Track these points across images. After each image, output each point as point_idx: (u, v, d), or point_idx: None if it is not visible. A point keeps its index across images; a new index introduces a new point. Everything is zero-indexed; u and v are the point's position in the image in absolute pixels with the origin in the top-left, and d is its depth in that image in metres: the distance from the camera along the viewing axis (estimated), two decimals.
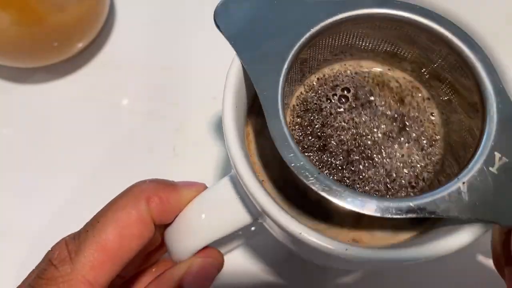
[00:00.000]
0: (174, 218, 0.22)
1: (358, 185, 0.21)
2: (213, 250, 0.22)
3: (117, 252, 0.19)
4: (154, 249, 0.25)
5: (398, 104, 0.23)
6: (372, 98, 0.23)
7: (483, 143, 0.18)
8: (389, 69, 0.24)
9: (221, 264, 0.22)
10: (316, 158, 0.21)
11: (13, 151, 0.35)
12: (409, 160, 0.21)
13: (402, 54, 0.22)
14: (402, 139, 0.22)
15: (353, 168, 0.21)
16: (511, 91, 0.19)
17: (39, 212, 0.33)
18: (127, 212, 0.20)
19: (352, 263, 0.18)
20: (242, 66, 0.20)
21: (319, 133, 0.22)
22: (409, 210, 0.17)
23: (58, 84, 0.37)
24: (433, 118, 0.22)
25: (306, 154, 0.21)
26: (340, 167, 0.21)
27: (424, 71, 0.22)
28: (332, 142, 0.22)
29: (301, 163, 0.17)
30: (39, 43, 0.34)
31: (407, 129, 0.22)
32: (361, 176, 0.21)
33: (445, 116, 0.22)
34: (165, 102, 0.37)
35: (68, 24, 0.33)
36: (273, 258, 0.31)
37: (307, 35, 0.19)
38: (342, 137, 0.22)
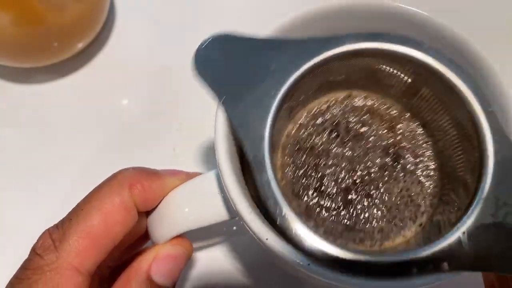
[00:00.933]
0: (157, 205, 0.22)
1: (359, 226, 0.20)
2: (182, 239, 0.22)
3: (101, 239, 0.19)
4: (140, 237, 0.25)
5: (390, 134, 0.22)
6: (363, 129, 0.22)
7: (481, 187, 0.17)
8: (378, 99, 0.23)
9: (190, 252, 0.22)
10: (313, 202, 0.21)
11: (13, 151, 0.35)
12: (408, 194, 0.21)
13: (391, 83, 0.22)
14: (398, 172, 0.21)
15: (352, 209, 0.21)
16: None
17: (39, 211, 0.33)
18: (110, 199, 0.20)
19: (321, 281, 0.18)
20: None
21: (313, 174, 0.21)
22: (410, 266, 0.16)
23: (58, 84, 0.37)
24: (427, 147, 0.22)
25: (301, 197, 0.21)
26: (339, 208, 0.21)
27: (415, 101, 0.22)
28: (328, 182, 0.21)
29: (293, 229, 0.17)
30: (39, 43, 0.34)
31: (401, 161, 0.22)
32: (361, 217, 0.21)
33: (441, 146, 0.22)
34: (165, 102, 0.37)
35: (68, 24, 0.33)
36: (255, 259, 0.31)
37: (292, 79, 0.19)
38: (337, 176, 0.21)
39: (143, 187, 0.21)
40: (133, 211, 0.21)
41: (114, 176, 0.21)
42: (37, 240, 0.20)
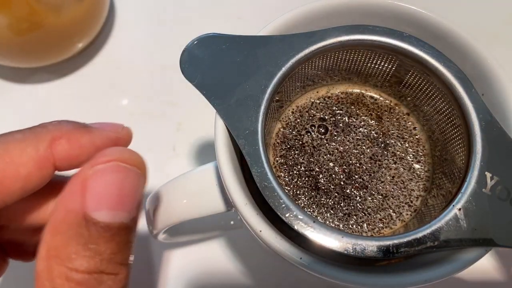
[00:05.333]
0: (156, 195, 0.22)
1: (360, 217, 0.21)
2: (130, 152, 0.16)
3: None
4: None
5: (378, 123, 0.22)
6: (350, 120, 0.22)
7: (472, 164, 0.17)
8: (363, 90, 0.23)
9: (141, 165, 0.16)
10: (311, 200, 0.21)
11: None
12: (401, 180, 0.21)
13: (374, 74, 0.22)
14: (388, 160, 0.22)
15: (350, 201, 0.21)
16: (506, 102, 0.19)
17: None
18: (20, 147, 0.16)
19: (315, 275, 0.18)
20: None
21: (307, 172, 0.21)
22: (408, 245, 0.16)
23: (58, 84, 0.37)
24: (415, 132, 0.22)
25: (299, 197, 0.21)
26: (337, 204, 0.21)
27: (401, 89, 0.22)
28: (323, 179, 0.21)
29: (294, 213, 0.17)
30: (39, 43, 0.34)
31: (391, 148, 0.22)
32: (359, 207, 0.21)
33: (429, 131, 0.22)
34: (165, 102, 0.37)
35: (68, 24, 0.33)
36: (253, 254, 0.31)
37: (279, 74, 0.19)
38: (331, 171, 0.21)
39: (68, 142, 0.17)
40: (46, 169, 0.17)
41: (34, 126, 0.18)
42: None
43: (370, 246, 0.16)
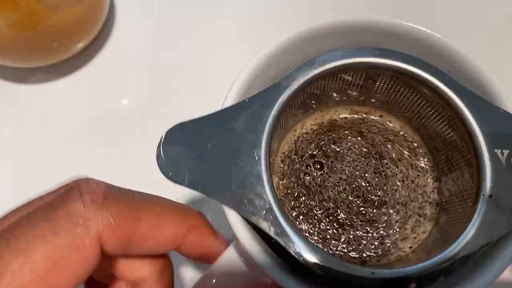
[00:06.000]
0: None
1: (393, 235, 0.20)
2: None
3: (138, 239, 0.17)
4: None
5: (361, 138, 0.22)
6: (336, 146, 0.22)
7: (479, 148, 0.17)
8: (331, 113, 0.23)
9: None
10: (342, 239, 0.20)
11: (13, 151, 0.35)
12: (410, 181, 0.21)
13: (341, 95, 0.22)
14: (389, 166, 0.22)
15: (377, 224, 0.21)
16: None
17: None
18: (172, 219, 0.18)
19: None
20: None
21: (324, 213, 0.21)
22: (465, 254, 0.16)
23: (58, 84, 0.37)
24: (397, 130, 0.22)
25: (328, 241, 0.20)
26: (367, 232, 0.20)
27: (364, 95, 0.22)
28: (342, 213, 0.21)
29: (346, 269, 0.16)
30: (39, 43, 0.34)
31: (384, 155, 0.22)
32: (387, 226, 0.20)
33: (411, 124, 0.22)
34: (165, 102, 0.37)
35: (68, 24, 0.33)
36: None
37: (265, 137, 0.18)
38: (346, 202, 0.21)
39: (201, 234, 0.19)
40: (173, 247, 0.19)
41: (183, 206, 0.19)
42: (87, 182, 0.17)
43: (425, 272, 0.16)
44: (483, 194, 0.16)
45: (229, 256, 0.20)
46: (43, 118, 0.36)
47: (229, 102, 0.19)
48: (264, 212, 0.17)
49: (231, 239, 0.20)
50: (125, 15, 0.40)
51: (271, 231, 0.16)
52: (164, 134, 0.18)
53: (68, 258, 0.15)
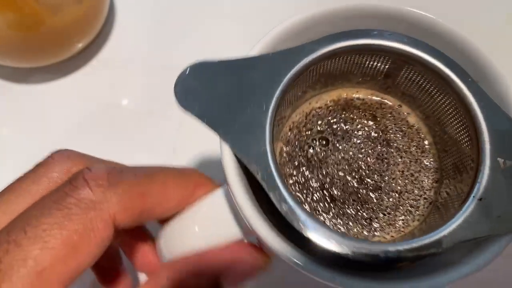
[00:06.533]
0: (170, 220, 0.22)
1: (381, 218, 0.21)
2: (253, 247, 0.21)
3: (148, 209, 0.19)
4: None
5: (373, 122, 0.22)
6: (347, 126, 0.22)
7: (483, 152, 0.17)
8: (349, 93, 0.23)
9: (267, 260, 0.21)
10: (331, 213, 0.21)
11: (13, 151, 0.35)
12: (410, 174, 0.21)
13: (366, 76, 0.22)
14: (394, 155, 0.22)
15: (369, 205, 0.21)
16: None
17: None
18: (176, 185, 0.20)
19: None
20: None
21: (320, 186, 0.21)
22: (438, 243, 0.16)
23: (58, 84, 0.37)
24: (412, 123, 0.22)
25: (318, 212, 0.21)
26: (357, 211, 0.21)
27: (386, 81, 0.22)
28: (337, 190, 0.21)
29: (320, 231, 0.16)
30: (39, 43, 0.34)
31: (392, 143, 0.22)
32: (378, 209, 0.21)
33: (427, 121, 0.22)
34: (165, 102, 0.36)
35: (68, 24, 0.33)
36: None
37: (277, 92, 0.19)
38: (342, 180, 0.21)
39: (207, 191, 0.21)
40: (183, 206, 0.21)
41: (184, 170, 0.21)
42: (89, 169, 0.18)
43: (402, 251, 0.16)
44: (473, 196, 0.17)
45: (215, 200, 0.21)
46: (43, 118, 0.36)
47: (254, 53, 0.20)
48: (257, 156, 0.18)
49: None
50: (125, 15, 0.40)
51: (258, 175, 0.17)
52: (188, 67, 0.19)
53: (84, 241, 0.17)
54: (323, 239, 0.16)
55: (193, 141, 0.35)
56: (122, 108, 0.37)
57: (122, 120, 0.36)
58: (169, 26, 0.40)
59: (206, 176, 0.22)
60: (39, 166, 0.20)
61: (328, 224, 0.21)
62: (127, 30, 0.39)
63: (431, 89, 0.20)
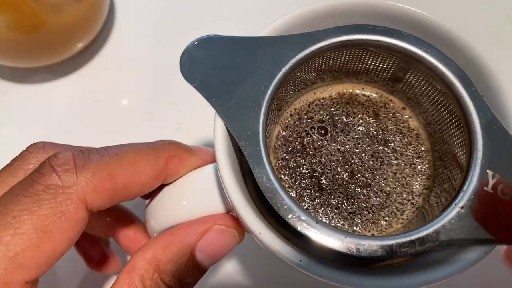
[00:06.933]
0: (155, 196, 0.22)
1: (364, 215, 0.21)
2: (233, 219, 0.21)
3: (121, 188, 0.19)
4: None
5: (375, 120, 0.22)
6: (348, 120, 0.22)
7: (473, 162, 0.17)
8: (355, 88, 0.23)
9: (239, 241, 0.21)
10: (315, 201, 0.21)
11: (13, 151, 0.35)
12: (402, 177, 0.21)
13: (374, 73, 0.22)
14: (389, 155, 0.22)
15: (354, 200, 0.21)
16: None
17: None
18: (145, 160, 0.20)
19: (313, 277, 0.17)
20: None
21: (309, 174, 0.21)
22: (411, 244, 0.16)
23: (58, 84, 0.37)
24: (413, 127, 0.22)
25: (303, 198, 0.21)
26: (342, 203, 0.21)
27: (394, 84, 0.22)
28: (326, 180, 0.21)
29: (297, 214, 0.17)
30: (39, 43, 0.34)
31: (390, 144, 0.22)
32: (364, 205, 0.21)
33: (428, 128, 0.22)
34: (165, 102, 0.37)
35: (68, 24, 0.33)
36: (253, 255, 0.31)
37: (280, 75, 0.19)
38: (333, 171, 0.21)
39: (180, 161, 0.21)
40: (159, 180, 0.21)
41: (155, 144, 0.21)
42: (55, 155, 0.18)
43: (373, 245, 0.16)
44: (455, 203, 0.17)
45: (204, 175, 0.21)
46: (43, 118, 0.36)
47: (263, 34, 0.20)
48: (248, 133, 0.18)
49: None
50: (125, 15, 0.40)
51: (246, 151, 0.18)
52: (197, 39, 0.20)
53: (56, 224, 0.17)
54: (301, 225, 0.16)
55: (193, 141, 0.35)
56: (122, 108, 0.37)
57: (122, 120, 0.36)
58: (169, 26, 0.40)
59: (179, 145, 0.22)
60: (15, 159, 0.21)
61: (311, 212, 0.21)
62: (127, 30, 0.39)
63: (436, 97, 0.20)
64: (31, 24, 0.32)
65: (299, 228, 0.16)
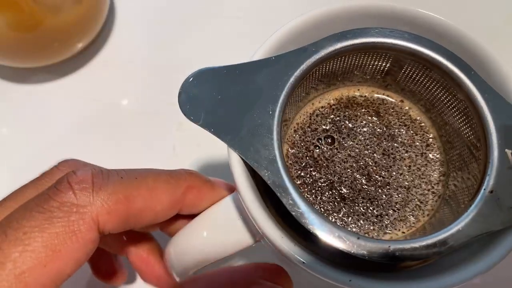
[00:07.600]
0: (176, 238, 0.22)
1: (391, 215, 0.21)
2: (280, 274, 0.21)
3: (135, 214, 0.18)
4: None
5: (377, 118, 0.22)
6: (351, 124, 0.22)
7: (490, 144, 0.17)
8: (350, 91, 0.23)
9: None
10: (342, 212, 0.21)
11: (13, 151, 0.35)
12: (417, 168, 0.21)
13: (367, 73, 0.22)
14: (400, 150, 0.22)
15: (378, 202, 0.21)
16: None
17: None
18: (164, 188, 0.19)
19: None
20: None
21: (328, 186, 0.21)
22: (453, 237, 0.16)
23: (58, 84, 0.37)
24: (414, 117, 0.22)
25: (329, 212, 0.21)
26: (367, 208, 0.21)
27: (388, 79, 0.22)
28: (345, 188, 0.21)
29: (336, 234, 0.16)
30: (39, 43, 0.34)
31: (397, 138, 0.22)
32: (388, 205, 0.21)
33: (431, 115, 0.22)
34: (165, 102, 0.37)
35: (68, 24, 0.33)
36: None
37: (283, 95, 0.18)
38: (350, 178, 0.21)
39: (199, 193, 0.21)
40: (174, 210, 0.20)
41: (177, 173, 0.21)
42: (74, 172, 0.18)
43: (417, 248, 0.16)
44: (484, 189, 0.17)
45: (224, 207, 0.21)
46: (42, 118, 0.36)
47: (257, 57, 0.20)
48: (267, 162, 0.17)
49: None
50: (125, 15, 0.40)
51: (270, 180, 0.17)
52: (191, 75, 0.19)
53: (65, 244, 0.16)
54: (337, 242, 0.16)
55: (193, 141, 0.35)
56: (122, 108, 0.37)
57: (122, 120, 0.36)
58: (169, 26, 0.40)
59: (199, 176, 0.22)
60: (44, 175, 0.20)
61: (339, 223, 0.21)
62: (127, 30, 0.39)
63: (432, 83, 0.20)
64: (31, 24, 0.32)
65: (349, 250, 0.16)
